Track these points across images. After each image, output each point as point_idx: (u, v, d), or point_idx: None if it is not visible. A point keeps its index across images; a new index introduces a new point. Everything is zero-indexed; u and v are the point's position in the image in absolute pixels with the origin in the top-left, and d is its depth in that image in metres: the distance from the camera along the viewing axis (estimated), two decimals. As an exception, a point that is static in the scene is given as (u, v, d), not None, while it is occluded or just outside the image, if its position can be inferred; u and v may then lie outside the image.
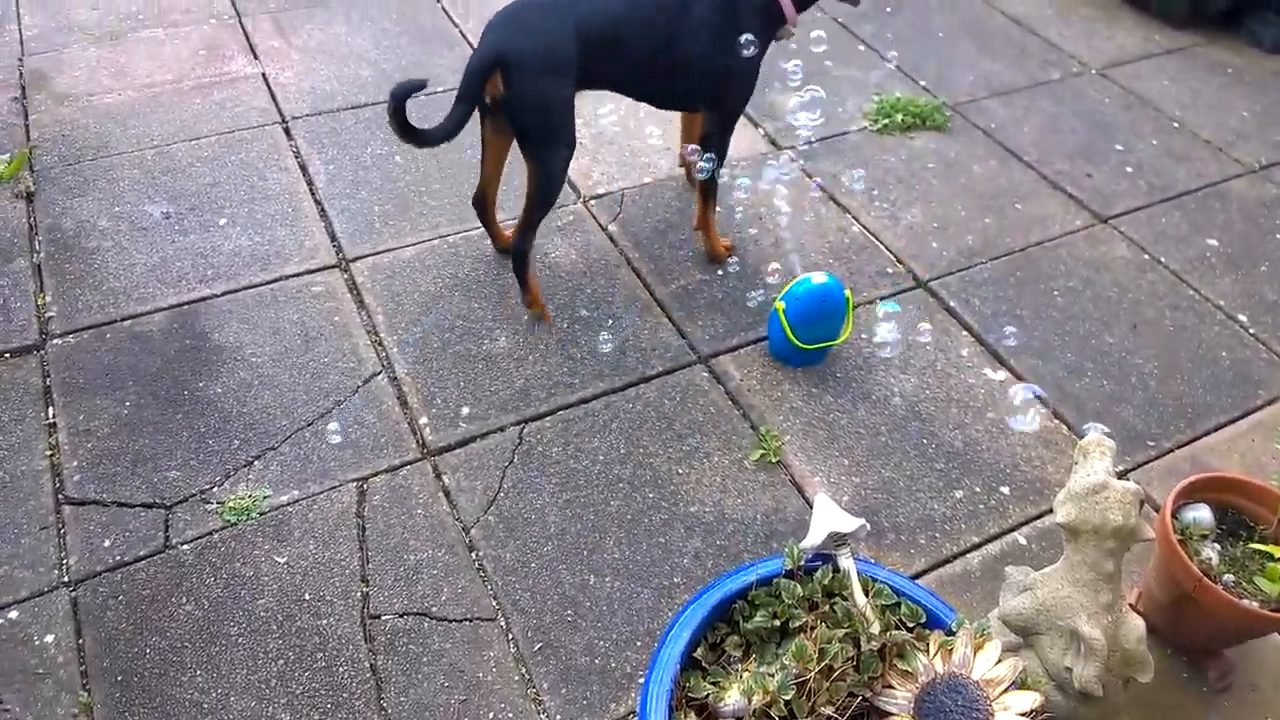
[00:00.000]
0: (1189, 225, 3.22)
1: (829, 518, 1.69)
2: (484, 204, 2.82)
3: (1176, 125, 3.71)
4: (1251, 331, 2.84)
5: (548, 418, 2.44)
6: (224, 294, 2.71)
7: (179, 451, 2.30)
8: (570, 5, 2.43)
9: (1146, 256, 3.08)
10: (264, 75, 3.61)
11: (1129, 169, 3.45)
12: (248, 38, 3.83)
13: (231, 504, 2.18)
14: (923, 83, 3.83)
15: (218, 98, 3.47)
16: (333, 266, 2.83)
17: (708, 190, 2.83)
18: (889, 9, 4.11)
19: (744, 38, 2.49)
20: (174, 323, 2.62)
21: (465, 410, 2.44)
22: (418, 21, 4.01)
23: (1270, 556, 1.95)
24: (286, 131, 3.34)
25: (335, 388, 2.47)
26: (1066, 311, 2.85)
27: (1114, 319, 2.84)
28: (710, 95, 2.64)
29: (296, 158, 3.22)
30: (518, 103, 2.40)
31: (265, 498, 2.21)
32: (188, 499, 2.20)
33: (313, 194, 3.08)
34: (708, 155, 2.67)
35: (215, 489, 2.22)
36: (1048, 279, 2.97)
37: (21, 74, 3.53)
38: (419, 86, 2.38)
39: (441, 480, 2.28)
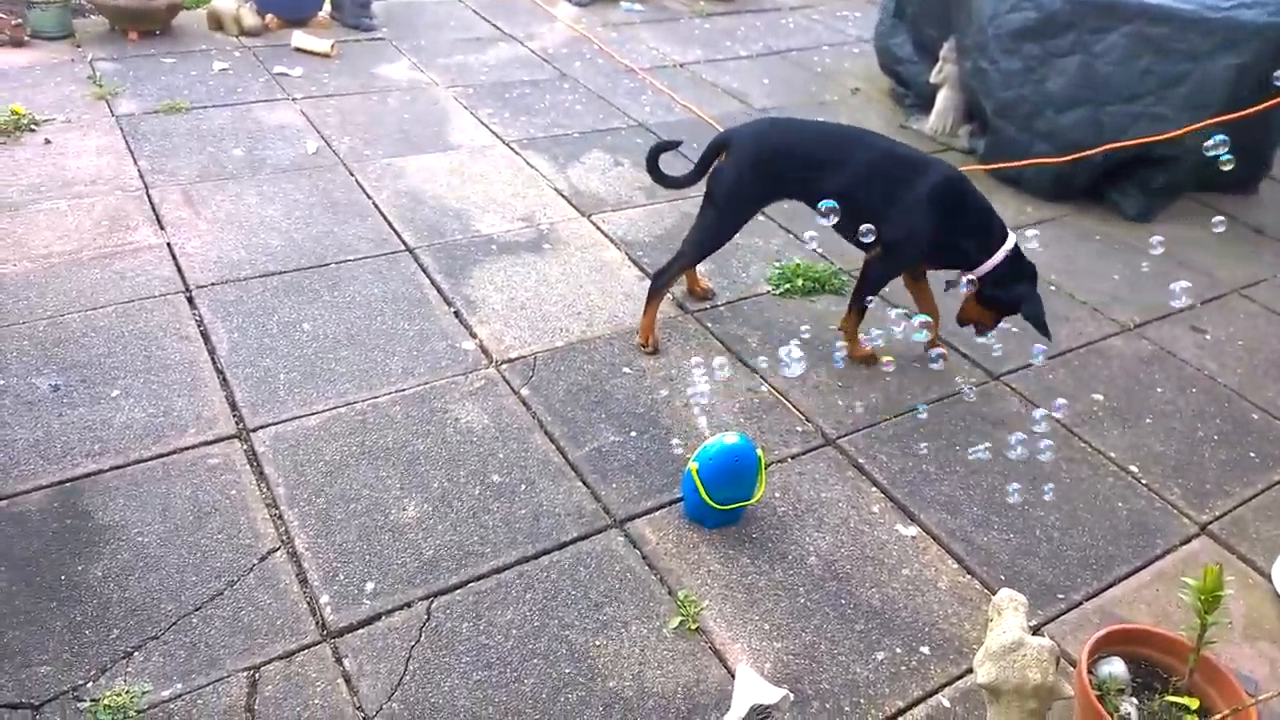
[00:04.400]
0: (1074, 381, 3.40)
1: (751, 689, 1.64)
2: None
3: (1054, 288, 3.97)
4: (1144, 482, 2.96)
5: (458, 590, 2.33)
6: (111, 469, 2.57)
7: (51, 643, 2.11)
8: (800, 129, 3.16)
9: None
10: (169, 245, 3.58)
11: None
12: (154, 208, 3.81)
13: (106, 702, 1.99)
14: (819, 250, 4.04)
15: (118, 268, 3.41)
16: (232, 437, 2.72)
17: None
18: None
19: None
20: (54, 502, 2.46)
21: (370, 586, 2.32)
22: (331, 195, 4.06)
23: (1187, 709, 1.96)
24: (190, 300, 3.29)
25: (228, 567, 2.33)
26: (969, 465, 2.93)
27: (1015, 472, 2.93)
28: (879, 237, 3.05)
29: (199, 326, 3.16)
30: (717, 174, 3.11)
31: (145, 693, 2.02)
32: (58, 697, 2.00)
33: (214, 363, 3.00)
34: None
35: (89, 685, 2.03)
36: (950, 434, 3.06)
37: (-90, 244, 3.42)
38: (674, 145, 3.26)
39: (342, 665, 2.13)
